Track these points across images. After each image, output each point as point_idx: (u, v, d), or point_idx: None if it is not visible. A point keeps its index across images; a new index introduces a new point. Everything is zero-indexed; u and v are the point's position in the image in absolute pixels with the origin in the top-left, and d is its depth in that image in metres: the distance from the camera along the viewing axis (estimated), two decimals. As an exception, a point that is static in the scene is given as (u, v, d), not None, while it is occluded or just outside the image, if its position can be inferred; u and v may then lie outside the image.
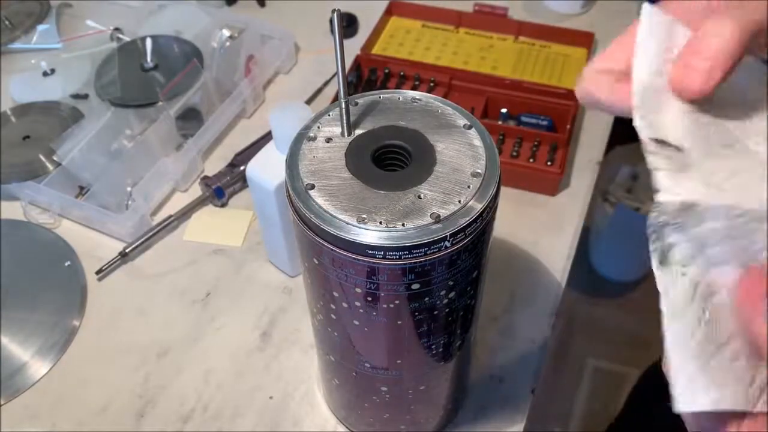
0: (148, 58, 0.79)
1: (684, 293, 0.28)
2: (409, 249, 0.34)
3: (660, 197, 0.30)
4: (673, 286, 0.28)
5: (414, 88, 0.78)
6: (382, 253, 0.34)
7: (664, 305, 0.27)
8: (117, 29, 0.84)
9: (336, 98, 0.41)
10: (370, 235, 0.34)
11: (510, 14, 0.85)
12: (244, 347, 0.59)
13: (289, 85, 0.82)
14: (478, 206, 0.35)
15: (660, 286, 0.28)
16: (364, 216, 0.34)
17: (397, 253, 0.34)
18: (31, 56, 0.84)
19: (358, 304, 0.38)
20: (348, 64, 0.79)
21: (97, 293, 0.63)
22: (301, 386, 0.57)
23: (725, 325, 0.27)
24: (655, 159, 0.31)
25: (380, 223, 0.34)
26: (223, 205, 0.70)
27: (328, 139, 0.40)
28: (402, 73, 0.80)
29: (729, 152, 0.31)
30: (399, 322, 0.39)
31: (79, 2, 0.93)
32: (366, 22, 0.88)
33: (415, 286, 0.36)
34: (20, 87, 0.81)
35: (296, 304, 0.62)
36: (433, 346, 0.42)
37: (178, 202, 0.70)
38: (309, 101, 0.78)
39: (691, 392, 0.26)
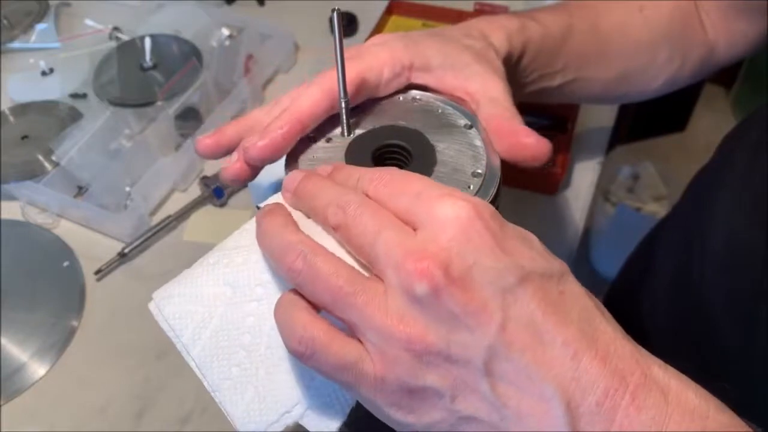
0: (147, 58, 0.79)
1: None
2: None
3: None
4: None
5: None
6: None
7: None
8: (116, 28, 0.84)
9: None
10: (371, 235, 0.33)
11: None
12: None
13: (289, 85, 0.81)
14: (479, 207, 0.35)
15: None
16: (365, 216, 0.34)
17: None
18: (29, 55, 0.84)
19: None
20: (348, 64, 0.79)
21: (96, 293, 0.63)
22: (300, 387, 0.56)
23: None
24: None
25: (380, 223, 0.34)
26: (222, 205, 0.70)
27: (329, 139, 0.39)
28: (402, 73, 0.79)
29: None
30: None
31: (78, 1, 0.93)
32: (366, 21, 0.88)
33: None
34: (19, 86, 0.81)
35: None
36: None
37: (177, 202, 0.70)
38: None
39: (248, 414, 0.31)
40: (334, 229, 0.30)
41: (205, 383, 0.31)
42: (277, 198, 0.34)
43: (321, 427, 0.31)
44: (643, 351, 0.28)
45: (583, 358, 0.27)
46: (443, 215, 0.28)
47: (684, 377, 0.28)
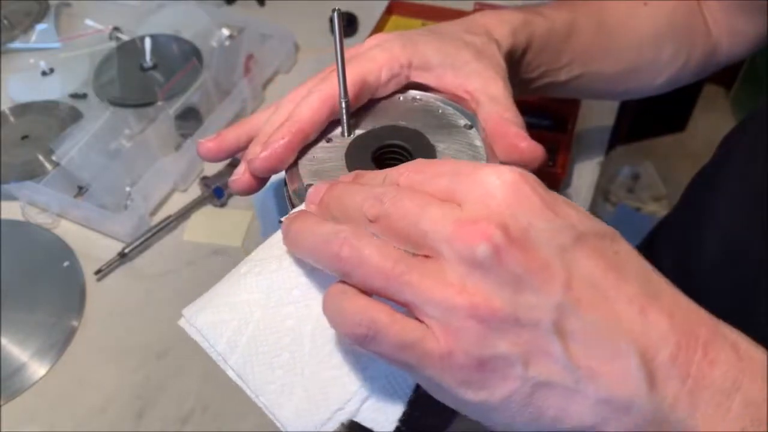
0: (147, 58, 0.79)
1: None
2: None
3: None
4: None
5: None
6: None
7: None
8: (116, 28, 0.84)
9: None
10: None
11: (510, 13, 0.85)
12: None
13: (289, 85, 0.81)
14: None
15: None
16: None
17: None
18: (29, 56, 0.84)
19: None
20: (348, 64, 0.79)
21: (96, 293, 0.63)
22: (300, 387, 0.56)
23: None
24: None
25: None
26: (222, 205, 0.70)
27: (329, 140, 0.39)
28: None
29: None
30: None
31: (78, 1, 0.93)
32: (366, 21, 0.88)
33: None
34: (19, 86, 0.81)
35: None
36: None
37: (178, 202, 0.70)
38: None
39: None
40: (372, 222, 0.29)
41: (247, 390, 0.30)
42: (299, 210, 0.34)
43: (378, 423, 0.30)
44: (704, 310, 0.28)
45: (650, 313, 0.26)
46: (489, 183, 0.27)
47: (747, 337, 0.28)
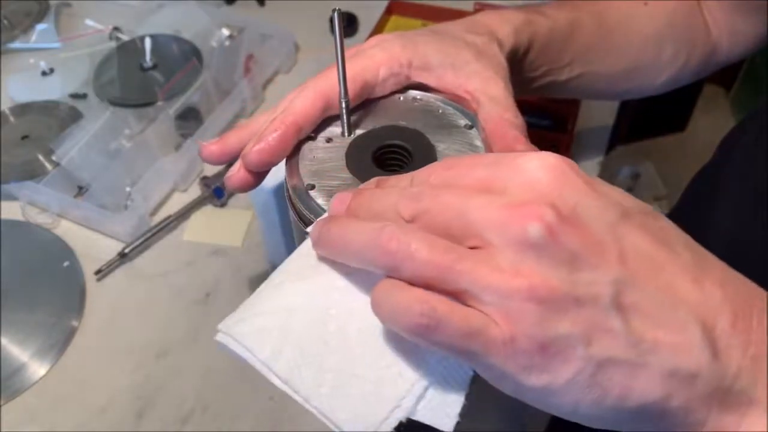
0: (148, 58, 0.79)
1: None
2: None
3: None
4: None
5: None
6: (382, 253, 0.33)
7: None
8: (116, 28, 0.84)
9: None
10: (371, 235, 0.33)
11: (510, 13, 0.85)
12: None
13: (289, 85, 0.81)
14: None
15: None
16: (365, 216, 0.34)
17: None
18: (29, 56, 0.84)
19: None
20: (348, 64, 0.79)
21: (96, 294, 0.63)
22: (301, 387, 0.56)
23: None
24: None
25: (381, 223, 0.33)
26: (222, 205, 0.70)
27: (329, 140, 0.39)
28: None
29: None
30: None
31: (78, 1, 0.93)
32: (366, 21, 0.88)
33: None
34: (19, 86, 0.81)
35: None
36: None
37: (178, 202, 0.70)
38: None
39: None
40: (409, 221, 0.28)
41: (296, 396, 0.29)
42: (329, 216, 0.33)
43: (437, 419, 0.29)
44: (750, 280, 0.28)
45: (704, 283, 0.27)
46: (531, 168, 0.27)
47: None
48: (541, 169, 0.27)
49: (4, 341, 0.59)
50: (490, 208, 0.26)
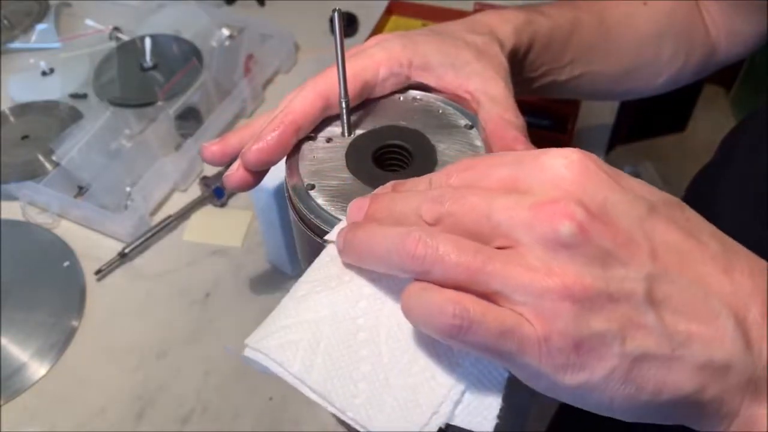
0: (148, 58, 0.79)
1: None
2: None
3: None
4: None
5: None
6: (382, 253, 0.33)
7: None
8: (116, 28, 0.84)
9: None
10: (371, 235, 0.33)
11: (510, 13, 0.85)
12: (244, 348, 0.59)
13: (289, 85, 0.82)
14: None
15: None
16: (365, 216, 0.34)
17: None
18: (29, 56, 0.84)
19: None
20: (348, 64, 0.79)
21: (96, 293, 0.63)
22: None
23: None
24: None
25: (381, 223, 0.33)
26: (222, 205, 0.70)
27: (329, 140, 0.39)
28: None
29: None
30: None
31: (78, 1, 0.93)
32: (366, 21, 0.88)
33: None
34: (19, 86, 0.81)
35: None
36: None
37: (178, 202, 0.70)
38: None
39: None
40: (433, 223, 0.28)
41: (331, 408, 0.29)
42: (343, 225, 0.32)
43: (475, 423, 0.29)
44: None
45: (733, 273, 0.27)
46: (555, 165, 0.27)
47: None
48: (566, 166, 0.27)
49: (4, 341, 0.59)
50: (518, 209, 0.26)
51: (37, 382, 0.57)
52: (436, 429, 0.28)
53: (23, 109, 0.77)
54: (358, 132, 0.40)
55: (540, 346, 0.26)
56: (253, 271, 0.64)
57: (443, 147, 0.38)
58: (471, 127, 0.39)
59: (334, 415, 0.54)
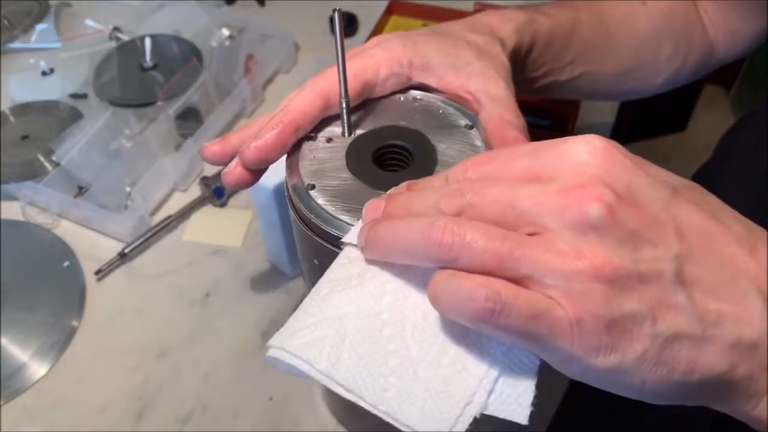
0: (148, 58, 0.79)
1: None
2: (411, 250, 0.33)
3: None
4: None
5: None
6: (383, 253, 0.33)
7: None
8: (116, 28, 0.84)
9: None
10: (371, 235, 0.33)
11: (510, 13, 0.85)
12: (244, 348, 0.59)
13: (289, 85, 0.82)
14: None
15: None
16: (365, 216, 0.34)
17: (398, 254, 0.33)
18: (29, 56, 0.84)
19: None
20: (348, 64, 0.79)
21: (96, 294, 0.63)
22: (300, 387, 0.56)
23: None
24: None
25: (381, 223, 0.33)
26: (222, 205, 0.70)
27: (329, 139, 0.39)
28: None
29: None
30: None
31: (78, 1, 0.93)
32: (366, 21, 0.88)
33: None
34: (19, 86, 0.81)
35: (296, 304, 0.61)
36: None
37: (178, 202, 0.70)
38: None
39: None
40: (456, 216, 0.28)
41: (362, 402, 0.29)
42: (358, 228, 0.32)
43: (510, 412, 0.29)
44: None
45: (759, 254, 0.27)
46: (579, 151, 0.27)
47: None
48: (589, 152, 0.27)
49: (4, 341, 0.59)
50: (543, 196, 0.26)
51: (37, 382, 0.57)
52: (471, 419, 0.28)
53: (23, 109, 0.77)
54: (359, 132, 0.40)
55: (572, 329, 0.26)
56: (253, 271, 0.64)
57: (443, 147, 0.38)
58: (471, 127, 0.39)
59: (334, 416, 0.54)
